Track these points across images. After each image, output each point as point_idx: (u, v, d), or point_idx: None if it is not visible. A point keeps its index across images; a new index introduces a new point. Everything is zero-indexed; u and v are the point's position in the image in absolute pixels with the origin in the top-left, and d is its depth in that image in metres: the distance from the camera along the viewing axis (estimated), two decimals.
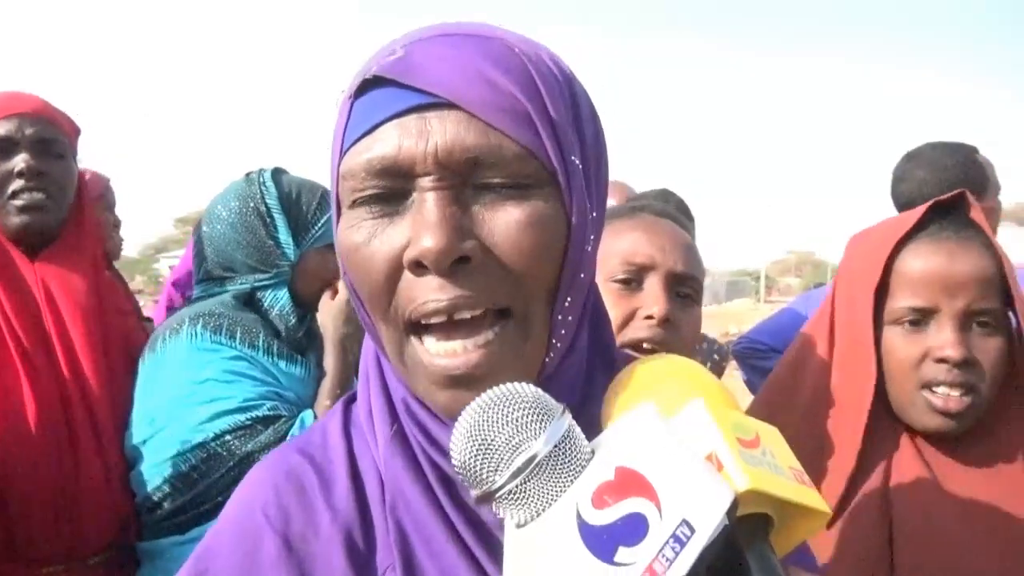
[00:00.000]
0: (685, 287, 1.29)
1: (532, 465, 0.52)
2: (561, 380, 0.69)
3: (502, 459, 0.53)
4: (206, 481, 1.58)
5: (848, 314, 1.20)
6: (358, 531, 0.70)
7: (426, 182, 0.61)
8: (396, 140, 0.61)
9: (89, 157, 2.89)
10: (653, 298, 1.24)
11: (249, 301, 1.76)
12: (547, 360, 0.66)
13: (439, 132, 0.60)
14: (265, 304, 1.77)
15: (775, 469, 0.55)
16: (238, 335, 1.66)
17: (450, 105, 0.60)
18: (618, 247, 1.28)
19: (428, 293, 0.61)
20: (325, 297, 1.83)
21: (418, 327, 0.63)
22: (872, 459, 1.14)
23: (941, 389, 1.09)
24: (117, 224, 4.07)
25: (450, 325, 0.62)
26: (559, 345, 0.67)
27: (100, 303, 1.77)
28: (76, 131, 1.85)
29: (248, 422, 1.58)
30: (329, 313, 1.79)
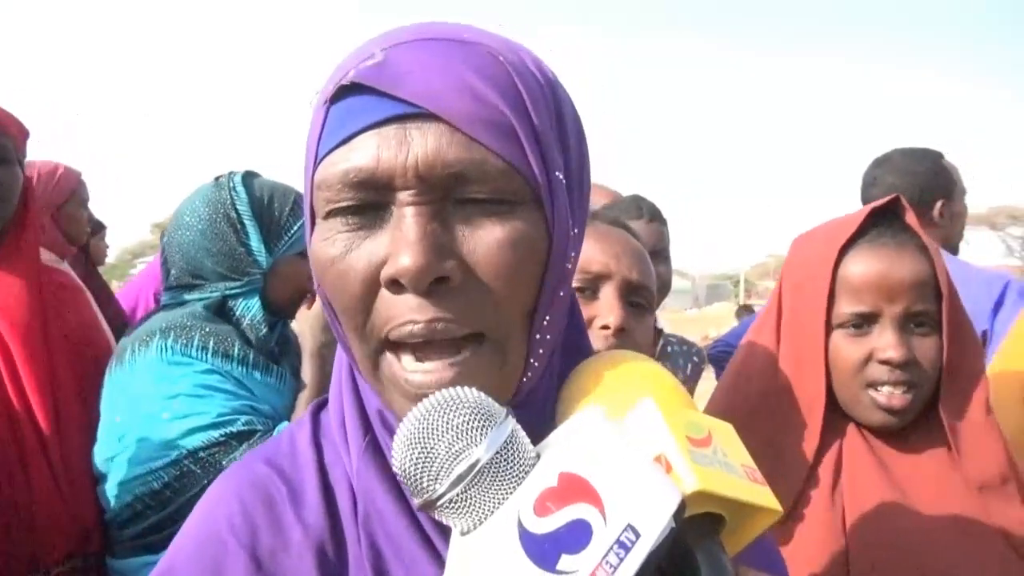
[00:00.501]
0: (638, 296, 1.30)
1: (473, 473, 0.51)
2: (537, 398, 0.68)
3: (443, 467, 0.52)
4: (179, 499, 1.53)
5: (796, 319, 1.25)
6: (330, 546, 0.68)
7: (406, 196, 0.58)
8: (375, 151, 0.58)
9: (65, 160, 2.87)
10: (608, 308, 1.26)
11: (220, 310, 1.71)
12: (524, 380, 0.65)
13: (420, 145, 0.58)
14: (237, 313, 1.72)
15: (727, 468, 0.55)
16: (211, 347, 1.61)
17: (431, 116, 0.58)
18: None
19: (406, 313, 0.59)
20: (303, 307, 1.79)
21: (395, 345, 0.61)
22: (824, 452, 1.20)
23: (885, 388, 1.16)
24: (98, 227, 4.04)
25: (427, 345, 0.60)
26: (537, 365, 0.65)
27: (42, 313, 1.72)
28: (24, 134, 1.79)
29: (222, 438, 1.53)
30: (307, 322, 1.75)
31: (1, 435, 1.60)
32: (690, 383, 2.50)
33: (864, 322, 1.18)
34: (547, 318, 0.64)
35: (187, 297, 1.73)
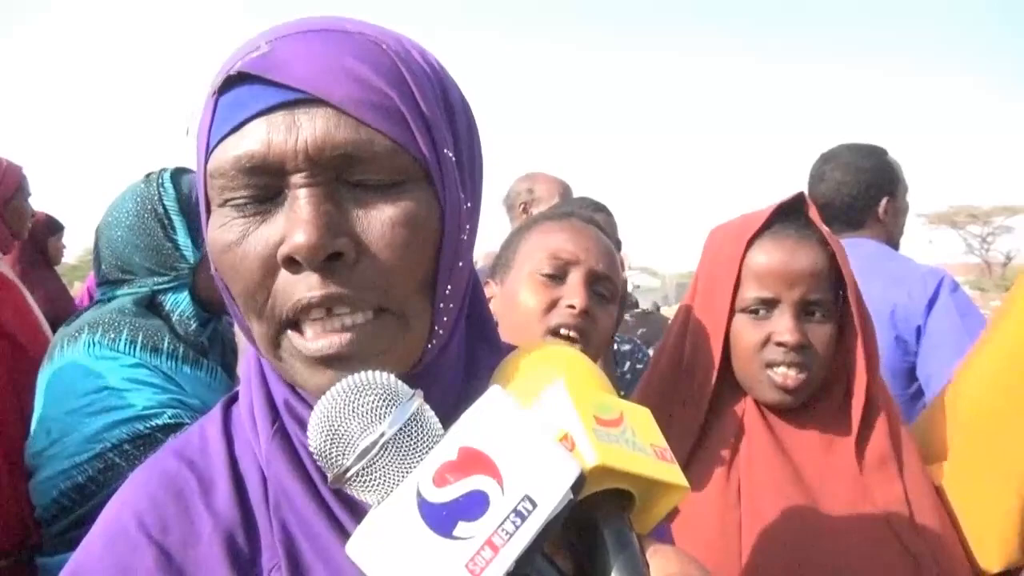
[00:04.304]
0: (603, 287, 1.41)
1: (377, 447, 0.54)
2: (442, 366, 0.71)
3: (348, 443, 0.55)
4: (103, 493, 1.53)
5: (704, 303, 1.34)
6: (241, 534, 0.68)
7: (298, 179, 0.60)
8: (265, 136, 0.60)
9: (25, 159, 2.85)
10: (574, 291, 1.37)
11: (150, 305, 1.72)
12: (429, 347, 0.67)
13: (309, 129, 0.59)
14: (166, 308, 1.72)
15: (633, 446, 0.57)
16: (139, 341, 1.62)
17: (319, 101, 0.60)
18: (546, 244, 1.42)
19: (304, 291, 0.60)
20: None
21: (295, 323, 0.63)
22: (724, 427, 1.29)
23: (780, 369, 1.25)
24: (56, 227, 3.99)
25: (327, 320, 0.62)
26: (442, 332, 0.68)
27: None
28: None
29: (147, 431, 1.54)
30: None
31: None
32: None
33: (765, 307, 1.27)
34: (449, 287, 0.67)
35: (117, 292, 1.73)
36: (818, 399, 1.28)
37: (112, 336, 1.61)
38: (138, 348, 1.61)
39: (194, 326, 1.74)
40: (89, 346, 1.60)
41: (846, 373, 1.28)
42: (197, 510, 0.69)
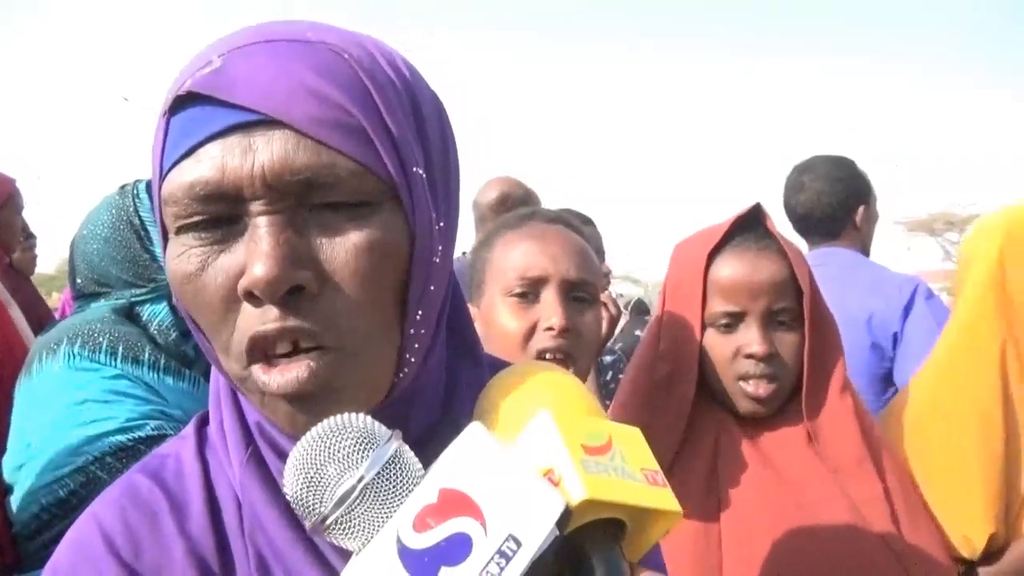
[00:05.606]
0: (580, 292, 1.34)
1: (355, 494, 0.53)
2: (419, 390, 0.68)
3: (326, 489, 0.54)
4: (84, 507, 1.50)
5: (672, 318, 1.34)
6: (215, 560, 0.66)
7: (257, 206, 0.57)
8: (219, 162, 0.56)
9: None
10: (551, 309, 1.29)
11: (128, 315, 1.70)
12: (401, 376, 0.64)
13: (265, 153, 0.56)
14: (144, 318, 1.70)
15: (623, 474, 0.56)
16: (120, 352, 1.59)
17: (275, 122, 0.56)
18: (512, 261, 1.33)
19: (264, 326, 0.58)
20: None
21: (256, 358, 0.60)
22: (701, 440, 1.30)
23: (752, 380, 1.28)
24: (29, 235, 3.93)
25: (290, 360, 0.59)
26: (413, 360, 0.64)
27: None
28: None
29: (130, 443, 1.52)
30: None
31: None
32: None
33: (732, 320, 1.29)
34: (419, 313, 0.63)
35: (95, 305, 1.71)
36: (793, 404, 1.30)
37: (92, 347, 1.58)
38: (119, 359, 1.59)
39: (174, 335, 1.71)
40: (69, 357, 1.57)
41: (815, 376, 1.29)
42: (170, 533, 0.67)
